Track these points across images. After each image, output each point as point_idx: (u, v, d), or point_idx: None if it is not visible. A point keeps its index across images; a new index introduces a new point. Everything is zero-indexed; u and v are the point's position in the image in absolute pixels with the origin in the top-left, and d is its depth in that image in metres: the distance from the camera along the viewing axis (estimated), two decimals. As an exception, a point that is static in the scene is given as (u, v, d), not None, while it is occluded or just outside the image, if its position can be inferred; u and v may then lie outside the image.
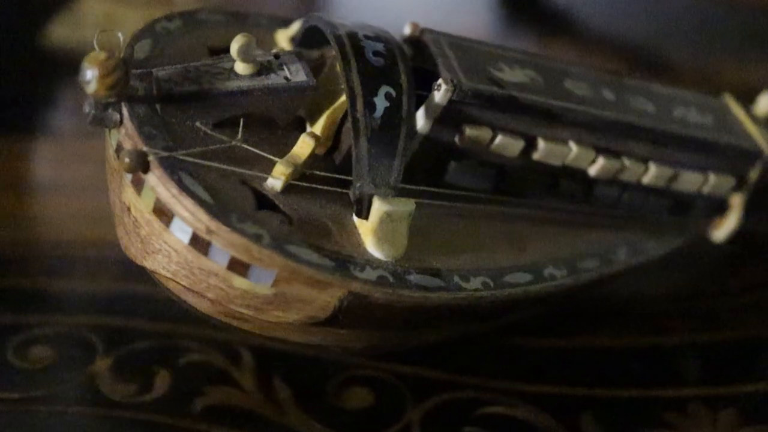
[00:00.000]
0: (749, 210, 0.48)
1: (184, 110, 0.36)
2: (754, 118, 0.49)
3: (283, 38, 0.42)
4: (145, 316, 0.44)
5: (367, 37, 0.38)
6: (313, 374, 0.42)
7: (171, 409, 0.40)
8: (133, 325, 0.44)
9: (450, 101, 0.38)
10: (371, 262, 0.36)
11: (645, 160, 0.43)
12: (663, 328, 0.47)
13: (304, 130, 0.39)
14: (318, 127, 0.39)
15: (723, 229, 0.47)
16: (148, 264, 0.36)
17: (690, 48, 0.77)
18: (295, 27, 0.42)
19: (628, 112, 0.43)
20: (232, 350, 0.42)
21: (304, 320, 0.36)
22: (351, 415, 0.40)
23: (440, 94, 0.38)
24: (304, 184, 0.37)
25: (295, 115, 0.38)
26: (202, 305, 0.37)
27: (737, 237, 0.48)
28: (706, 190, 0.45)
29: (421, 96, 0.38)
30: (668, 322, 0.47)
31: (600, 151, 0.42)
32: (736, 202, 0.47)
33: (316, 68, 0.39)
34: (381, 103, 0.37)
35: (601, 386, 0.43)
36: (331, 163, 0.38)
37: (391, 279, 0.36)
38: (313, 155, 0.37)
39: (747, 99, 0.50)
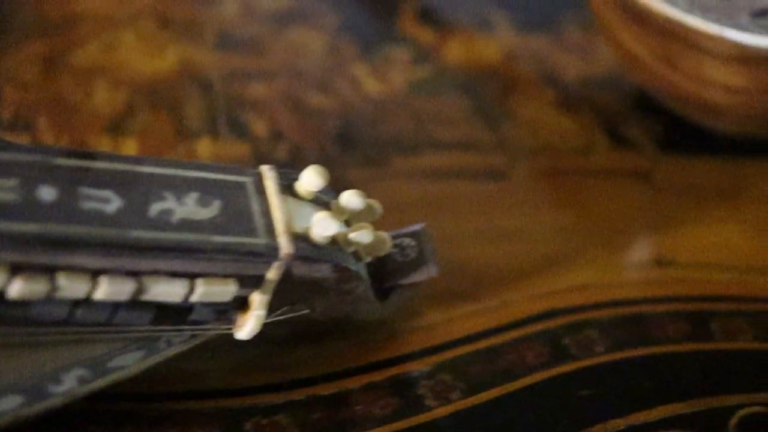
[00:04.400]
0: (288, 303, 0.41)
1: None
2: (297, 197, 0.40)
3: None
4: None
5: None
6: None
7: None
8: None
9: None
10: None
11: (95, 274, 0.36)
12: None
13: None
14: None
15: (245, 329, 0.40)
16: None
17: None
18: None
19: (70, 217, 0.35)
20: None
21: None
22: None
23: None
24: None
25: None
26: None
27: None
28: (196, 298, 0.38)
29: None
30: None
31: (17, 270, 0.34)
32: (257, 300, 0.39)
33: None
34: None
35: None
36: None
37: None
38: None
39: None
